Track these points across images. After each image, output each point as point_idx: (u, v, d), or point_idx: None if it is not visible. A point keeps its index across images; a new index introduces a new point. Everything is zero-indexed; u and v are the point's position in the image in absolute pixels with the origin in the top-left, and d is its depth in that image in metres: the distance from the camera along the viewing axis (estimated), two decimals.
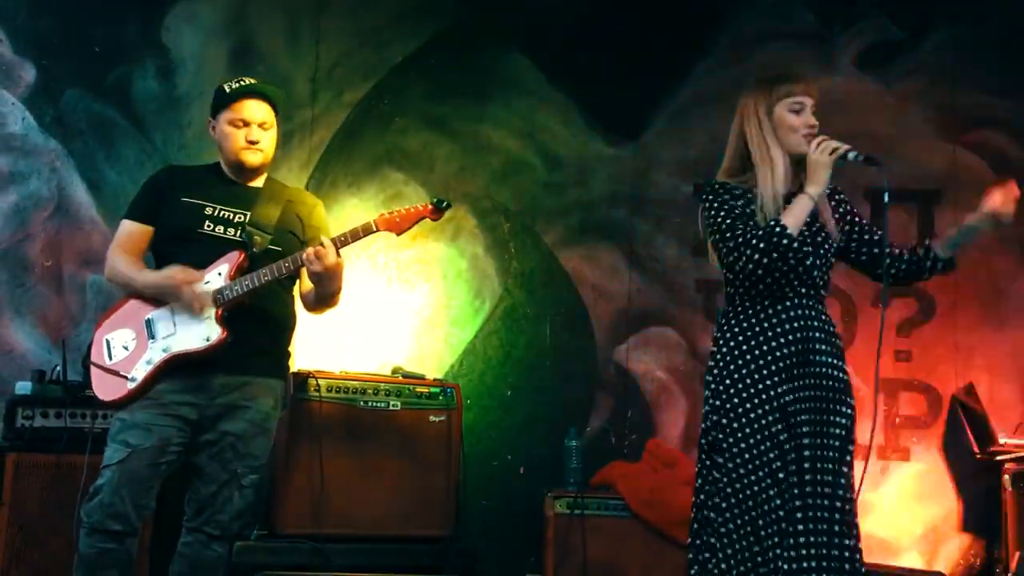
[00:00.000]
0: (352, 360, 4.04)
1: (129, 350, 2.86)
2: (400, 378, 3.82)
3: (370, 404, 3.66)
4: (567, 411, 4.33)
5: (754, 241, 2.53)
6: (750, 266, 2.54)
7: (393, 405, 3.68)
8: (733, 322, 2.66)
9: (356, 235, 2.85)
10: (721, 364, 2.64)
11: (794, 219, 2.55)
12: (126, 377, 2.82)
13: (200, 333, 2.81)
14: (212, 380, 2.85)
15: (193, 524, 2.91)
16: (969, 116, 4.63)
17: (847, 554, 2.48)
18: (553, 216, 4.52)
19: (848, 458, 2.56)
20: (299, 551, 3.43)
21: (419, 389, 3.75)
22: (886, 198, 2.60)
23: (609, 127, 4.57)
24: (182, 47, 4.33)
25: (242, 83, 2.99)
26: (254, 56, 4.39)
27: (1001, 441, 4.22)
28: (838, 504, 2.50)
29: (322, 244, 2.78)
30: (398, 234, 2.86)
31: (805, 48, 4.65)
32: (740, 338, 2.63)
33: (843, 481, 2.52)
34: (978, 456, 4.33)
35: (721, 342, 2.67)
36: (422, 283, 4.40)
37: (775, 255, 2.52)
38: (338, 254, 2.82)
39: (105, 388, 2.86)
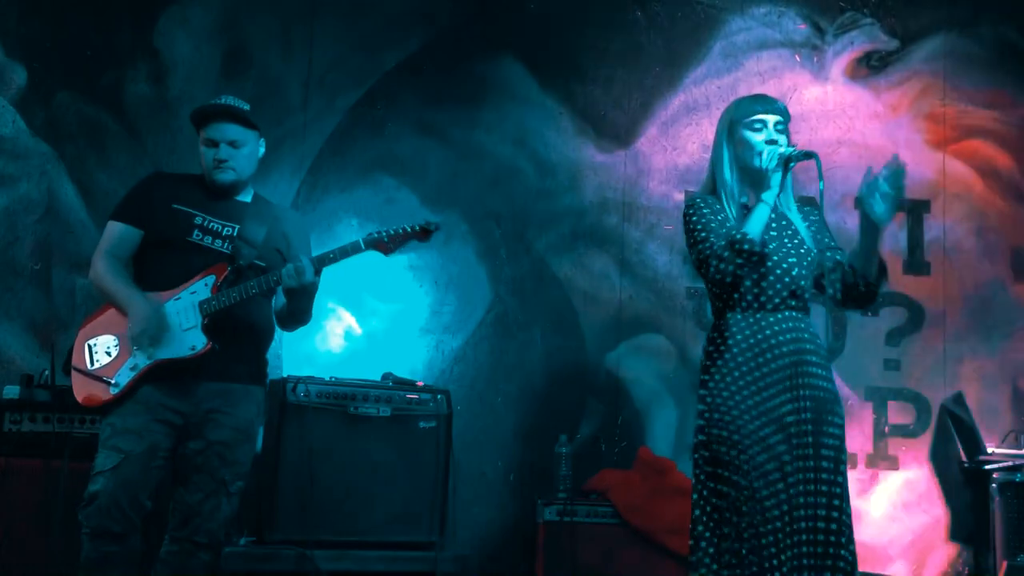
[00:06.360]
0: (343, 366, 4.04)
1: (112, 356, 2.88)
2: (391, 384, 3.81)
3: (360, 410, 3.65)
4: (557, 418, 4.32)
5: (718, 251, 2.60)
6: (718, 276, 2.61)
7: (383, 411, 3.68)
8: (726, 334, 2.68)
9: (345, 252, 2.91)
10: (716, 377, 2.65)
11: (752, 225, 2.59)
12: (108, 382, 2.84)
13: (185, 341, 2.84)
14: (196, 386, 2.88)
15: (180, 534, 2.89)
16: (959, 126, 4.65)
17: (844, 564, 2.51)
18: (544, 223, 4.52)
19: (842, 467, 2.59)
20: (288, 557, 3.42)
21: (409, 395, 3.74)
22: (821, 186, 2.58)
23: (601, 134, 4.58)
24: (174, 51, 4.31)
25: (215, 103, 3.04)
26: (246, 61, 4.37)
27: (989, 450, 4.24)
28: (834, 515, 2.53)
29: (301, 262, 2.85)
30: (386, 255, 2.94)
31: (797, 56, 4.67)
32: (735, 350, 2.65)
33: (839, 491, 2.55)
34: (967, 465, 4.35)
35: (715, 355, 2.68)
36: (413, 288, 4.39)
37: (739, 261, 2.57)
38: (317, 274, 2.88)
39: (86, 392, 2.88)
